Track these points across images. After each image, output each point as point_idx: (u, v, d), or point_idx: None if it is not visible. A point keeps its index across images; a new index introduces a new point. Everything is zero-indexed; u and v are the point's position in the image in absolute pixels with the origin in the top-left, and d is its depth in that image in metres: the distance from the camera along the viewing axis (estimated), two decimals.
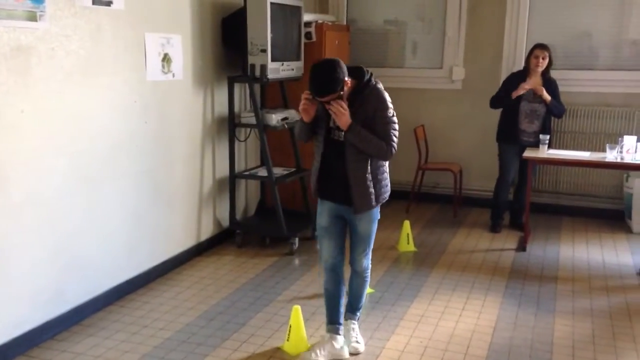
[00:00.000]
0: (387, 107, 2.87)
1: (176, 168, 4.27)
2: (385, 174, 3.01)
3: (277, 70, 4.55)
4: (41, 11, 3.05)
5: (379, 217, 3.08)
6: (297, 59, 4.87)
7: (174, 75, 4.12)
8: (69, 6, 3.23)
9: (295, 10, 4.85)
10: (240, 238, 4.80)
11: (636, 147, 4.56)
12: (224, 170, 4.82)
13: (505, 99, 5.02)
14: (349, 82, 2.78)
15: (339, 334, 3.09)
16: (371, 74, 2.92)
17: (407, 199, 5.89)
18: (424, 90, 6.14)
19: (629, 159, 4.55)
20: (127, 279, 3.84)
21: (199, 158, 4.54)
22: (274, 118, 4.58)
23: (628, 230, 5.34)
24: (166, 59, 4.03)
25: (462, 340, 3.30)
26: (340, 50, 5.53)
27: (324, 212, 3.04)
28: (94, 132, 3.50)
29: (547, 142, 4.87)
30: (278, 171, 4.80)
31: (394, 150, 2.87)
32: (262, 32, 4.37)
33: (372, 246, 3.12)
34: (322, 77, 2.74)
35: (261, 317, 3.55)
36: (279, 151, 5.07)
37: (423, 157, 5.88)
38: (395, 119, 2.90)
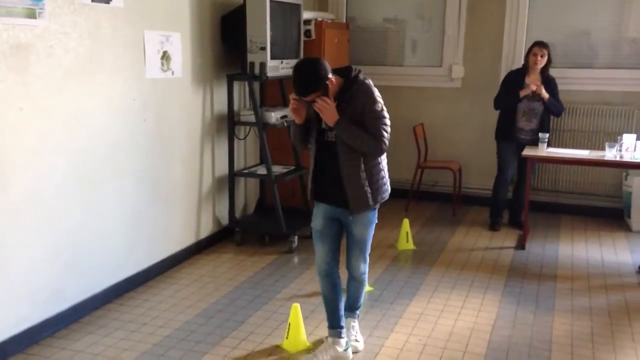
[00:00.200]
0: (375, 102, 2.80)
1: (175, 166, 4.27)
2: (383, 172, 2.93)
3: (276, 68, 4.55)
4: (40, 8, 3.05)
5: (376, 221, 3.01)
6: (297, 56, 4.87)
7: (173, 73, 4.12)
8: (68, 4, 3.22)
9: (295, 8, 4.85)
10: (240, 236, 4.80)
11: (635, 146, 4.56)
12: (223, 168, 4.81)
13: (510, 98, 5.02)
14: (333, 79, 2.74)
15: (342, 337, 3.06)
16: (359, 71, 2.87)
17: (406, 198, 5.89)
18: (424, 88, 6.14)
19: (628, 157, 4.55)
20: (126, 277, 3.84)
21: (198, 156, 4.54)
22: (274, 116, 4.58)
23: (627, 228, 5.34)
24: (165, 56, 4.03)
25: (461, 338, 3.31)
26: (339, 48, 5.53)
27: (318, 215, 2.99)
28: (93, 130, 3.49)
29: (547, 140, 4.87)
30: (277, 169, 4.80)
31: (385, 145, 2.81)
32: (261, 29, 4.37)
33: (369, 250, 3.05)
34: (303, 76, 2.72)
35: (260, 315, 3.55)
36: (278, 149, 5.07)
37: (422, 156, 5.88)
38: (385, 113, 2.82)
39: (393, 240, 4.91)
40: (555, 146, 5.36)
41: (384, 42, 6.28)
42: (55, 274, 3.31)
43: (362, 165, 2.83)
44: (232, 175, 4.81)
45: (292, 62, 4.78)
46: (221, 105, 4.72)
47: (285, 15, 4.73)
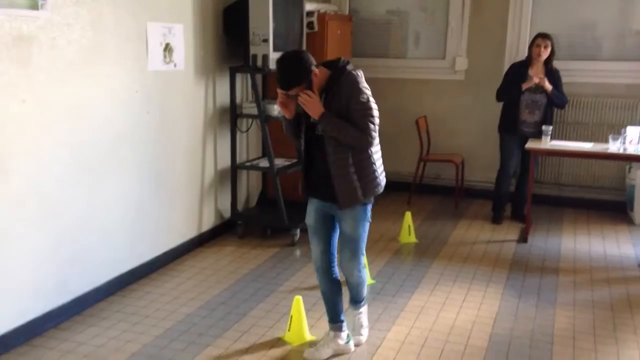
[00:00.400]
0: (360, 93, 2.70)
1: (178, 159, 4.27)
2: (373, 166, 2.82)
3: None
4: (43, 0, 3.03)
5: (369, 220, 2.91)
6: (299, 49, 4.85)
7: (175, 66, 4.11)
8: None
9: (297, 0, 4.83)
10: (242, 229, 4.81)
11: (639, 138, 4.54)
12: (225, 161, 4.81)
13: (513, 90, 5.00)
14: (317, 72, 2.70)
15: (342, 331, 3.05)
16: (347, 62, 2.80)
17: (408, 191, 5.88)
18: (426, 81, 6.12)
19: (631, 150, 4.53)
20: (129, 269, 3.85)
21: (201, 149, 4.54)
22: (276, 109, 4.56)
23: (630, 221, 5.33)
24: (168, 48, 4.01)
25: (462, 331, 3.31)
26: (342, 40, 5.51)
27: (311, 210, 2.97)
28: (96, 122, 3.49)
29: (550, 133, 4.85)
30: (280, 162, 4.80)
31: (371, 138, 2.72)
32: (264, 22, 4.35)
33: (362, 252, 2.94)
34: (285, 70, 2.70)
35: (262, 308, 3.56)
36: (280, 142, 5.03)
37: (425, 149, 5.87)
38: (371, 105, 2.72)
39: (395, 234, 4.90)
40: (558, 139, 5.35)
41: (386, 34, 6.26)
42: (58, 266, 3.31)
43: (350, 159, 2.75)
44: (235, 168, 4.80)
45: None
46: (223, 97, 4.71)
47: (288, 7, 4.71)
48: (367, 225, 2.91)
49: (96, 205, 3.54)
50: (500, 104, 5.20)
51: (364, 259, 3.01)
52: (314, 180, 2.89)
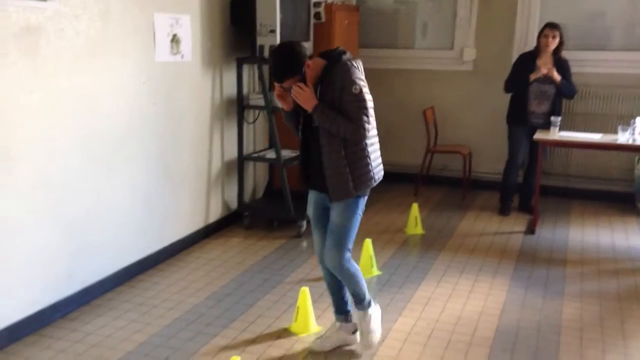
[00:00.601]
0: (352, 84, 2.63)
1: (185, 150, 4.27)
2: (367, 159, 2.75)
3: None
4: None
5: (360, 212, 2.84)
6: (307, 39, 4.83)
7: (182, 57, 4.11)
8: None
9: None
10: (248, 220, 4.82)
11: None
12: (232, 152, 4.82)
13: (520, 81, 4.97)
14: (310, 63, 2.68)
15: (348, 321, 3.05)
16: (342, 52, 2.75)
17: (415, 182, 5.87)
18: (434, 71, 6.09)
19: None
20: (136, 260, 3.87)
21: (208, 140, 4.54)
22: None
23: (639, 213, 5.30)
24: (175, 39, 4.01)
25: (469, 322, 3.31)
26: (349, 30, 5.48)
27: (311, 202, 2.96)
28: (104, 113, 3.50)
29: (559, 123, 4.82)
30: (286, 153, 4.80)
31: (363, 130, 2.64)
32: (271, 12, 4.33)
33: (346, 244, 2.83)
34: (277, 62, 2.68)
35: (269, 299, 3.57)
36: (287, 133, 4.98)
37: (432, 140, 5.85)
38: (364, 96, 2.65)
39: (402, 225, 4.90)
40: (567, 129, 5.31)
41: (394, 24, 6.22)
42: (66, 256, 3.34)
43: (343, 151, 2.70)
44: (241, 160, 4.81)
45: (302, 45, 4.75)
46: (230, 88, 4.71)
47: None
48: (356, 218, 2.84)
49: (104, 196, 3.56)
50: (509, 95, 5.17)
51: (349, 252, 2.88)
52: (311, 171, 2.86)
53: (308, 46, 4.84)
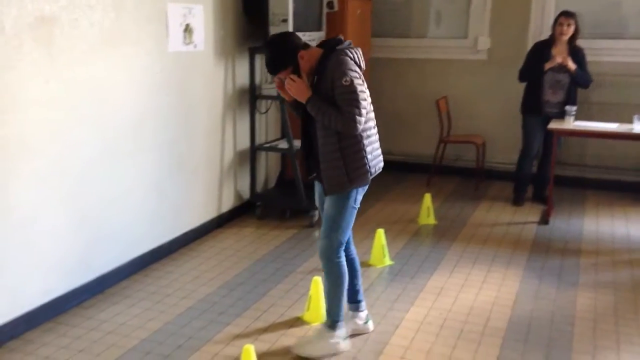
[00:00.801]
0: (343, 75, 2.56)
1: (197, 140, 4.29)
2: (362, 152, 2.68)
3: None
4: None
5: (352, 205, 2.75)
6: (319, 29, 4.82)
7: (195, 46, 4.11)
8: None
9: None
10: (261, 210, 4.83)
11: None
12: (244, 142, 4.82)
13: (535, 70, 4.91)
14: (304, 54, 2.64)
15: (360, 311, 3.06)
16: (339, 41, 2.68)
17: (427, 172, 5.85)
18: (448, 60, 6.04)
19: None
20: (150, 249, 3.90)
21: (220, 130, 4.55)
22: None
23: None
24: (188, 29, 4.01)
25: (481, 312, 3.30)
26: (362, 20, 5.46)
27: (316, 193, 2.95)
28: (117, 103, 3.52)
29: (574, 113, 4.77)
30: (299, 143, 4.75)
31: (354, 122, 2.56)
32: (283, 1, 4.32)
33: (336, 237, 2.75)
34: (269, 54, 2.67)
35: (281, 288, 3.59)
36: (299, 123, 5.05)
37: (445, 130, 5.81)
38: (356, 87, 2.57)
39: (414, 215, 4.89)
40: (582, 119, 5.25)
41: (407, 13, 6.17)
42: (82, 245, 3.37)
43: (338, 144, 2.65)
44: (254, 150, 4.82)
45: (315, 34, 4.74)
46: (243, 78, 4.71)
47: None
48: (349, 210, 2.76)
49: (118, 186, 3.58)
50: (523, 84, 5.12)
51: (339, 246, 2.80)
52: (312, 162, 2.84)
53: (320, 36, 4.82)
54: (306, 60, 2.66)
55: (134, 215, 3.74)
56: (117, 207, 3.60)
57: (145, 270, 3.81)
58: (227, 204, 4.74)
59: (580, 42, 4.96)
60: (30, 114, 2.98)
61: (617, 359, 2.89)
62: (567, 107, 4.79)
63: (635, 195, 5.42)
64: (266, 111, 5.00)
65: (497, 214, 5.00)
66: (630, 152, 5.54)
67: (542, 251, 4.19)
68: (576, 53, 4.89)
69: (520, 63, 5.11)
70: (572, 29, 4.83)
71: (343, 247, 2.83)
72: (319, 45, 2.73)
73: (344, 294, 2.87)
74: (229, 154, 4.70)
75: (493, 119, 5.92)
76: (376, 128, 2.81)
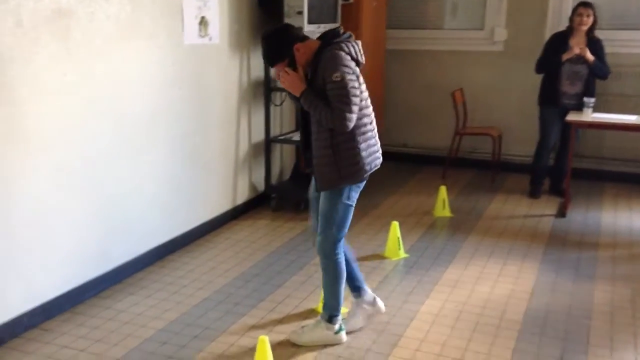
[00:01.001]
0: (334, 70, 2.50)
1: (212, 132, 4.30)
2: (356, 149, 2.61)
3: (313, 33, 4.48)
4: None
5: (346, 201, 2.70)
6: (334, 21, 4.80)
7: (210, 39, 4.12)
8: None
9: None
10: (275, 202, 4.85)
11: None
12: (259, 134, 4.83)
13: (552, 61, 4.86)
14: (300, 47, 2.61)
15: (362, 295, 3.01)
16: (336, 34, 2.62)
17: (443, 164, 5.82)
18: (464, 52, 6.00)
19: None
20: (167, 240, 3.93)
21: (235, 122, 4.56)
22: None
23: None
24: (203, 22, 4.02)
25: (497, 305, 3.29)
26: (377, 11, 5.43)
27: (312, 185, 2.94)
28: (134, 96, 3.54)
29: (592, 105, 4.72)
30: None
31: (343, 119, 2.50)
32: None
33: (332, 234, 2.73)
34: (265, 47, 2.66)
35: (296, 280, 3.60)
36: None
37: (461, 122, 5.77)
38: (347, 83, 2.50)
39: (429, 207, 4.87)
40: (600, 111, 5.18)
41: (423, 4, 6.12)
42: (100, 236, 3.41)
43: (331, 139, 2.60)
44: (268, 142, 4.83)
45: (330, 26, 4.72)
46: (257, 71, 4.71)
47: None
48: (343, 207, 2.71)
49: (135, 178, 3.61)
50: (540, 76, 5.06)
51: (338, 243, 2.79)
52: (310, 156, 2.79)
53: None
54: (302, 53, 2.63)
55: (151, 207, 3.77)
56: (134, 199, 3.63)
57: (161, 262, 3.84)
58: (242, 196, 4.76)
59: (599, 34, 4.89)
60: (49, 106, 3.01)
61: (635, 352, 2.86)
62: (585, 99, 4.73)
63: None
64: (281, 103, 5.00)
65: (513, 207, 4.96)
66: None
67: (559, 244, 4.16)
68: (594, 44, 4.83)
69: (537, 54, 5.06)
70: (591, 20, 4.77)
71: (341, 244, 2.81)
72: (319, 38, 2.70)
73: (342, 290, 2.87)
74: (244, 146, 4.71)
75: (509, 110, 5.87)
76: (374, 124, 2.74)
